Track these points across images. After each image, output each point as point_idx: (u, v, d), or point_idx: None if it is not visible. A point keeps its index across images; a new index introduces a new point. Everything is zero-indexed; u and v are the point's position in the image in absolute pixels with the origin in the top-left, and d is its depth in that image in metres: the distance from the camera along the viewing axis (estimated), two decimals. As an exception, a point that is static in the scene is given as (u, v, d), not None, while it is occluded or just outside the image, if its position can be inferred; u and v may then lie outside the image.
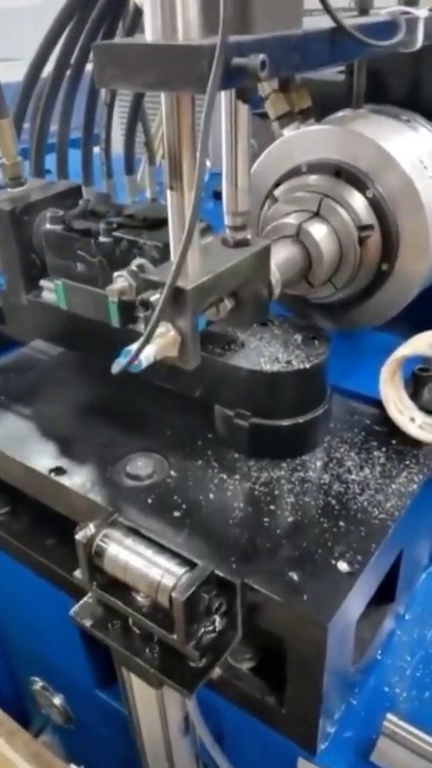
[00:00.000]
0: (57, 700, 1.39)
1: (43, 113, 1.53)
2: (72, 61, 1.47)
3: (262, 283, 0.90)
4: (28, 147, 1.57)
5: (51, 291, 1.11)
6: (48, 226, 1.05)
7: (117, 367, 0.77)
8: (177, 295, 0.77)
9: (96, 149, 1.73)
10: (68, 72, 1.50)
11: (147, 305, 0.79)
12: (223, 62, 0.64)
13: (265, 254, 0.88)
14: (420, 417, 0.94)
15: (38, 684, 1.41)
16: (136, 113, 1.74)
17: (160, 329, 0.78)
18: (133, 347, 0.76)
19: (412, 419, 0.94)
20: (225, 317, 0.88)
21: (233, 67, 0.67)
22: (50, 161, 1.65)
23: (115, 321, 1.01)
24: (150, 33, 0.71)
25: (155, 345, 0.77)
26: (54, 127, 1.60)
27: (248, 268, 0.86)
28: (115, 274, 0.92)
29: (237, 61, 0.67)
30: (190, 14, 0.70)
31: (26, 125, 1.60)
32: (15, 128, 1.26)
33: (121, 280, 0.91)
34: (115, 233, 0.98)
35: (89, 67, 1.50)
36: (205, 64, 0.64)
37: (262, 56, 0.67)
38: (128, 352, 0.76)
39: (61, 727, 1.45)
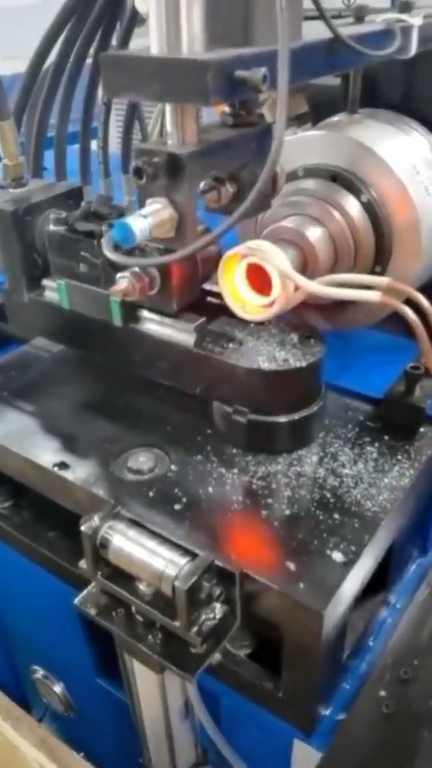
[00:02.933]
0: (57, 689, 1.42)
1: (41, 111, 1.54)
2: (70, 59, 1.49)
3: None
4: (26, 141, 1.58)
5: (53, 290, 1.13)
6: (52, 227, 1.08)
7: (108, 243, 0.76)
8: (173, 163, 0.74)
9: (93, 146, 1.75)
10: (67, 69, 1.51)
11: (140, 173, 0.76)
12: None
13: (265, 135, 0.83)
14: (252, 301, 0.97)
15: (39, 673, 1.44)
16: (133, 113, 1.76)
17: (156, 205, 0.76)
18: (127, 220, 0.74)
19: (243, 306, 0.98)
20: (227, 203, 0.85)
21: (236, 79, 0.70)
22: (48, 158, 1.67)
23: (117, 320, 1.04)
24: (155, 45, 0.74)
25: (151, 219, 0.75)
26: (52, 121, 1.61)
27: (246, 145, 0.83)
28: (118, 275, 0.94)
29: (239, 74, 0.70)
30: (195, 28, 0.73)
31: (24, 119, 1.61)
32: (15, 124, 1.28)
33: (123, 281, 0.94)
34: None
35: (88, 62, 1.52)
36: (208, 77, 0.68)
37: (263, 70, 0.70)
38: (122, 224, 0.74)
39: (61, 716, 1.49)
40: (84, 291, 1.07)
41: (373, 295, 0.89)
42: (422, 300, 0.92)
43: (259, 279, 0.92)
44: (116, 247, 0.84)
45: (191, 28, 0.71)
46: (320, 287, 0.90)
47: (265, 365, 0.96)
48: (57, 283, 1.11)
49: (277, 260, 0.85)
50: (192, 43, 0.71)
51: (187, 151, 0.75)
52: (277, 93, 0.67)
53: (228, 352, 0.99)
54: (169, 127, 0.76)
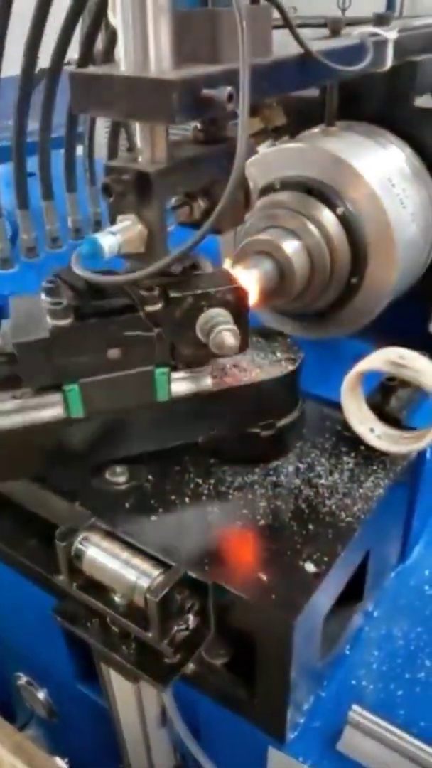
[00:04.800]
0: (41, 695, 1.43)
1: (18, 117, 1.53)
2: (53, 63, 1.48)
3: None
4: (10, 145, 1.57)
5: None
6: (53, 322, 0.84)
7: (77, 257, 0.74)
8: (141, 181, 0.74)
9: (79, 152, 1.75)
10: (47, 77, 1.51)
11: (109, 191, 0.75)
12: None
13: (235, 150, 0.77)
14: (379, 428, 0.99)
15: (23, 679, 1.45)
16: (119, 121, 1.77)
17: (125, 222, 0.75)
18: (96, 235, 0.73)
19: (372, 429, 0.99)
20: (200, 218, 0.84)
21: (202, 98, 0.71)
22: (32, 164, 1.67)
23: (163, 394, 0.91)
24: (123, 63, 0.74)
25: (120, 236, 0.74)
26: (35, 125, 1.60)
27: (216, 161, 0.82)
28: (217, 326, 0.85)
29: (206, 92, 0.71)
30: (162, 46, 0.73)
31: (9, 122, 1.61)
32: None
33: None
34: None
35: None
36: (173, 97, 0.68)
37: (229, 89, 0.70)
38: (91, 240, 0.73)
39: (45, 721, 1.50)
40: (114, 382, 0.89)
41: None
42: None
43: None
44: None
45: (158, 45, 0.71)
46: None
47: (242, 375, 0.97)
48: (64, 391, 0.89)
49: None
50: (159, 60, 0.72)
51: (156, 168, 0.75)
52: (239, 112, 0.68)
53: (205, 363, 0.99)
54: (139, 143, 0.77)
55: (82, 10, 1.34)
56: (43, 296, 0.85)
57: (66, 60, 1.49)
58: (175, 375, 0.93)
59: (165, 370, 0.89)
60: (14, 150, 1.55)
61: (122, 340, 0.86)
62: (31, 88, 1.46)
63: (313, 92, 1.24)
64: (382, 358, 0.90)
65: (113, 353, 0.86)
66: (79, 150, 1.76)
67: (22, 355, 0.85)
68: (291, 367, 1.00)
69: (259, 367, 0.99)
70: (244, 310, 0.89)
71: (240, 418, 1.00)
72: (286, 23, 0.82)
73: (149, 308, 0.85)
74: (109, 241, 0.74)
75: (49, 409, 0.91)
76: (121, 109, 0.73)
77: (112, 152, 1.79)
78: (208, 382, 0.95)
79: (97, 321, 0.85)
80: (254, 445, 1.01)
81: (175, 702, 0.98)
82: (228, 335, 0.84)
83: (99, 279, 0.82)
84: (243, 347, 0.90)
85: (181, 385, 0.94)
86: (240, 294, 0.88)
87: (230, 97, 0.71)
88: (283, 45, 0.88)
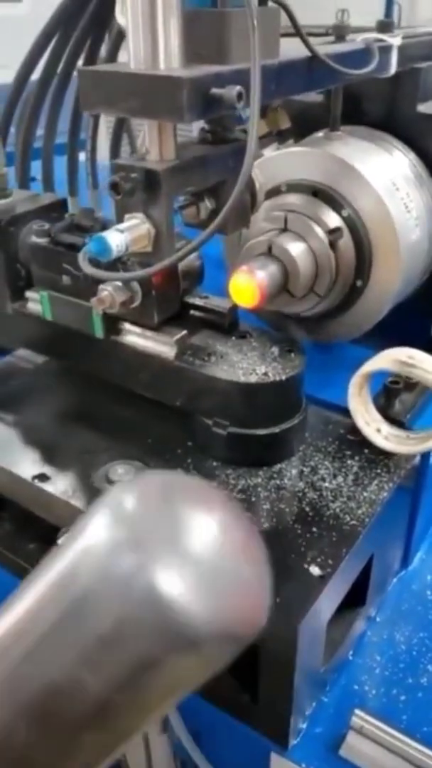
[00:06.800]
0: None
1: (28, 121, 1.55)
2: (59, 69, 1.50)
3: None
4: (14, 151, 1.59)
5: (36, 302, 1.14)
6: (34, 239, 1.08)
7: (84, 256, 0.75)
8: (150, 179, 0.75)
9: (82, 157, 1.76)
10: (54, 80, 1.52)
11: (117, 189, 0.76)
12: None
13: (243, 152, 0.79)
14: (386, 428, 0.99)
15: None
16: (122, 125, 1.78)
17: (133, 221, 0.77)
18: (104, 234, 0.75)
19: (379, 430, 0.99)
20: (206, 219, 0.86)
21: (211, 96, 0.71)
22: (36, 168, 1.68)
23: (98, 332, 1.04)
24: (133, 61, 0.75)
25: (128, 234, 0.76)
26: (40, 132, 1.62)
27: (224, 161, 0.83)
28: (100, 286, 0.95)
29: (215, 91, 0.71)
30: (171, 45, 0.74)
31: (12, 130, 1.62)
32: (1, 136, 1.29)
33: (105, 293, 0.94)
34: None
35: (76, 74, 1.53)
36: (183, 94, 0.68)
37: (238, 88, 0.71)
38: (99, 238, 0.74)
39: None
40: (66, 303, 1.07)
41: None
42: None
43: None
44: (97, 262, 0.85)
45: (168, 44, 0.72)
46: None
47: (245, 378, 0.97)
48: (39, 295, 1.11)
49: None
50: (169, 59, 0.72)
51: (164, 167, 0.75)
52: (250, 110, 0.68)
53: (208, 364, 0.99)
54: (147, 142, 0.77)
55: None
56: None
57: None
58: (141, 331, 1.04)
59: (100, 311, 0.98)
60: (19, 155, 1.56)
61: (64, 270, 1.04)
62: (45, 96, 1.48)
63: (316, 98, 1.25)
64: (391, 358, 0.90)
65: (66, 279, 1.05)
66: (81, 156, 1.77)
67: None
68: (293, 372, 0.99)
69: (263, 369, 0.99)
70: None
71: (231, 413, 0.99)
72: (293, 24, 0.83)
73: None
74: (116, 239, 0.74)
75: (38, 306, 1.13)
76: (130, 106, 0.73)
77: (114, 156, 1.80)
78: (170, 353, 1.02)
79: (53, 248, 1.05)
80: (256, 448, 1.01)
81: (177, 708, 0.97)
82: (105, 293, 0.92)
83: (101, 274, 0.82)
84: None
85: (142, 341, 1.04)
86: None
87: (239, 96, 0.71)
88: (285, 52, 0.88)
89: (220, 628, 0.41)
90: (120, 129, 1.77)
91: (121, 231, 0.75)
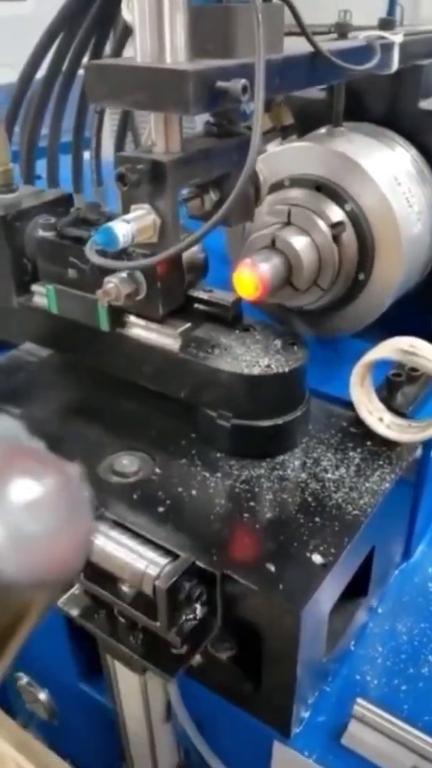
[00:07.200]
0: (42, 695, 1.42)
1: (33, 120, 1.57)
2: (63, 68, 1.51)
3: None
4: (18, 150, 1.60)
5: (42, 296, 1.15)
6: (41, 233, 1.09)
7: (91, 246, 0.76)
8: (156, 170, 0.76)
9: (86, 155, 1.77)
10: (59, 79, 1.54)
11: (124, 180, 0.78)
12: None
13: (247, 145, 0.81)
14: (388, 417, 1.00)
15: (24, 680, 1.44)
16: (126, 122, 1.79)
17: (139, 211, 0.78)
18: (111, 224, 0.76)
19: (381, 419, 1.00)
20: (210, 211, 0.87)
21: (217, 90, 0.72)
22: (41, 167, 1.70)
23: (104, 324, 1.05)
24: (139, 54, 0.76)
25: (134, 224, 0.77)
26: (45, 131, 1.64)
27: (228, 154, 0.85)
28: (105, 278, 0.96)
29: (220, 84, 0.72)
30: (178, 38, 0.75)
31: (17, 129, 1.64)
32: (6, 133, 1.30)
33: (110, 285, 0.95)
34: None
35: (80, 73, 1.55)
36: (190, 87, 0.70)
37: (243, 81, 0.72)
38: (106, 228, 0.76)
39: (45, 723, 1.48)
40: (72, 296, 1.08)
41: None
42: None
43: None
44: (103, 253, 0.86)
45: (174, 39, 0.73)
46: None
47: (248, 370, 0.98)
48: (46, 288, 1.12)
49: None
50: (175, 53, 0.73)
51: (170, 158, 0.77)
52: (254, 103, 0.70)
53: (212, 357, 1.00)
54: (153, 134, 0.78)
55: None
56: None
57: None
58: (146, 323, 1.05)
59: (105, 303, 1.00)
60: (23, 153, 1.57)
61: (70, 264, 1.06)
62: (49, 95, 1.49)
63: (319, 94, 1.26)
64: (393, 347, 0.91)
65: (72, 273, 1.06)
66: (86, 155, 1.79)
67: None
68: (296, 364, 1.00)
69: (266, 361, 1.00)
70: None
71: (234, 405, 1.00)
72: (297, 20, 0.84)
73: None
74: (123, 229, 0.75)
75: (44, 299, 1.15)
76: (137, 99, 0.74)
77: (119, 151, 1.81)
78: (174, 345, 1.03)
79: (59, 241, 1.07)
80: (260, 439, 1.02)
81: (180, 696, 0.98)
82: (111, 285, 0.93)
83: (108, 263, 0.84)
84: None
85: (146, 333, 1.06)
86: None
87: (245, 89, 0.72)
88: (287, 49, 0.89)
89: (29, 575, 0.51)
90: (124, 127, 1.79)
91: (128, 221, 0.76)
